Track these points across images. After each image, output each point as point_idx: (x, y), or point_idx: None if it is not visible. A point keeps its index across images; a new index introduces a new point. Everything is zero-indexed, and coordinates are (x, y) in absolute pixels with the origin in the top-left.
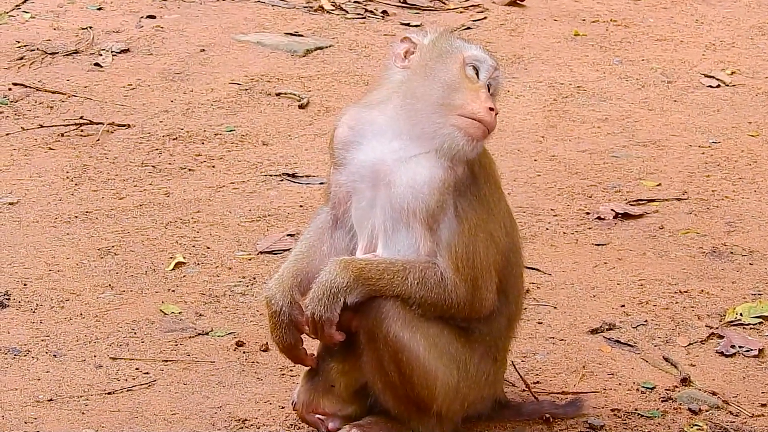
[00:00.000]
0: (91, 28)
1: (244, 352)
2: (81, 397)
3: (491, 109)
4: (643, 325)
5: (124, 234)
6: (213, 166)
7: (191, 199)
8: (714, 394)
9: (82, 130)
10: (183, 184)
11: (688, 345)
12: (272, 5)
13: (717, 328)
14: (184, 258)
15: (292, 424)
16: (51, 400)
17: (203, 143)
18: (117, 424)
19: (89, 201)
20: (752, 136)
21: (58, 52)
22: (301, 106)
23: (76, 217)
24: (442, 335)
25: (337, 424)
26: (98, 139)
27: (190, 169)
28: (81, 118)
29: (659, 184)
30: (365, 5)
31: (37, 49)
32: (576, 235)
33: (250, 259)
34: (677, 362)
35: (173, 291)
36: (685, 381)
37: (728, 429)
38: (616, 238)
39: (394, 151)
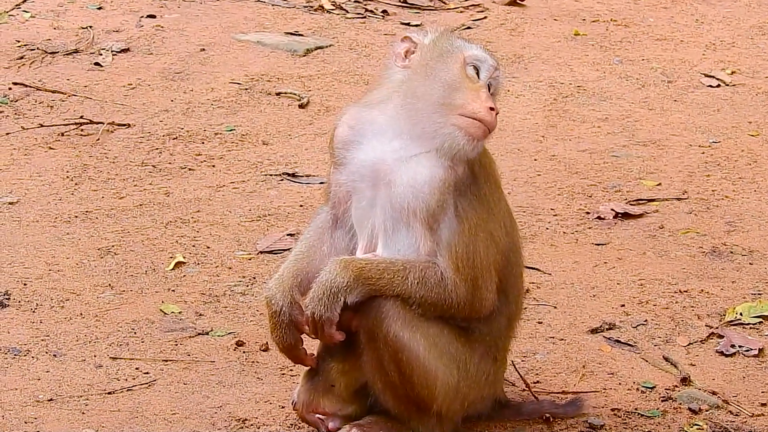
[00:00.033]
0: (91, 27)
1: (244, 352)
2: (81, 396)
3: (492, 108)
4: (643, 324)
5: (124, 234)
6: (213, 166)
7: (191, 199)
8: (714, 393)
9: (82, 130)
10: (183, 184)
11: (688, 344)
12: (272, 5)
13: (717, 327)
14: (184, 258)
15: (292, 424)
16: (51, 399)
17: (203, 143)
18: (117, 424)
19: (89, 200)
20: (752, 135)
21: (58, 52)
22: (301, 106)
23: (76, 216)
24: (442, 335)
25: (337, 423)
26: (98, 139)
27: (190, 169)
28: (81, 117)
29: (659, 184)
30: (365, 5)
31: (38, 48)
32: (576, 234)
33: (250, 259)
34: (677, 362)
35: (173, 291)
36: (685, 380)
37: (728, 428)
38: (616, 237)
39: (395, 151)
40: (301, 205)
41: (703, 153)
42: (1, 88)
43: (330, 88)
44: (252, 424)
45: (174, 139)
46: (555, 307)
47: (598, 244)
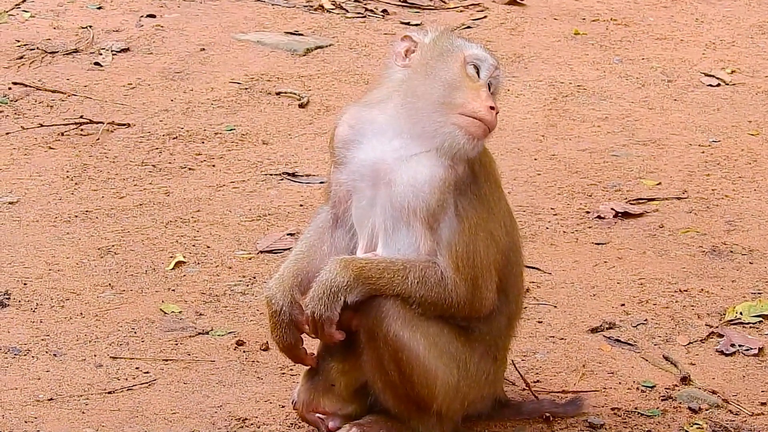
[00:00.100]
0: (91, 27)
1: (244, 352)
2: (81, 396)
3: (492, 107)
4: (643, 324)
5: (124, 233)
6: (213, 166)
7: (191, 199)
8: (714, 392)
9: (82, 130)
10: (183, 184)
11: (688, 344)
12: (272, 4)
13: (717, 326)
14: (184, 257)
15: (292, 423)
16: (51, 399)
17: (203, 142)
18: (117, 424)
19: (89, 200)
20: (752, 134)
21: (58, 51)
22: (301, 105)
23: (76, 216)
24: (442, 334)
25: (337, 423)
26: (98, 139)
27: (190, 169)
28: (81, 117)
29: (659, 183)
30: (365, 4)
31: (37, 48)
32: (576, 234)
33: (250, 259)
34: (677, 361)
35: (173, 290)
36: (685, 380)
37: (728, 428)
38: (616, 237)
39: (395, 150)
40: (301, 205)
41: (703, 152)
42: (0, 87)
43: (330, 87)
44: (252, 424)
45: (174, 138)
46: (555, 307)
47: (598, 244)
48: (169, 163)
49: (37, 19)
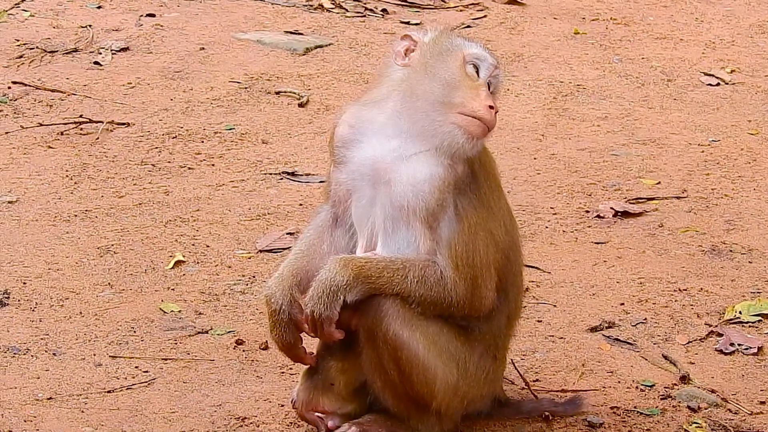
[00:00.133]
0: (90, 26)
1: (243, 351)
2: (80, 395)
3: (491, 107)
4: (643, 323)
5: (123, 232)
6: (212, 165)
7: (191, 198)
8: (713, 391)
9: (81, 129)
10: (182, 183)
11: (688, 343)
12: (272, 4)
13: (716, 326)
14: (184, 256)
15: (291, 423)
16: (50, 398)
17: (203, 142)
18: (116, 423)
19: (89, 199)
20: (752, 134)
21: (57, 51)
22: (300, 105)
23: (76, 215)
24: (442, 333)
25: (337, 422)
26: (98, 138)
27: (189, 168)
28: (80, 116)
29: (659, 183)
30: (365, 4)
31: (37, 47)
32: (575, 233)
33: (249, 258)
34: (676, 360)
35: (173, 289)
36: (685, 379)
37: (727, 427)
38: (615, 236)
39: (394, 150)
40: (300, 204)
41: (703, 152)
42: (0, 86)
43: (329, 86)
44: (251, 423)
45: (173, 138)
46: (554, 306)
47: (598, 243)
48: (169, 162)
49: (37, 18)
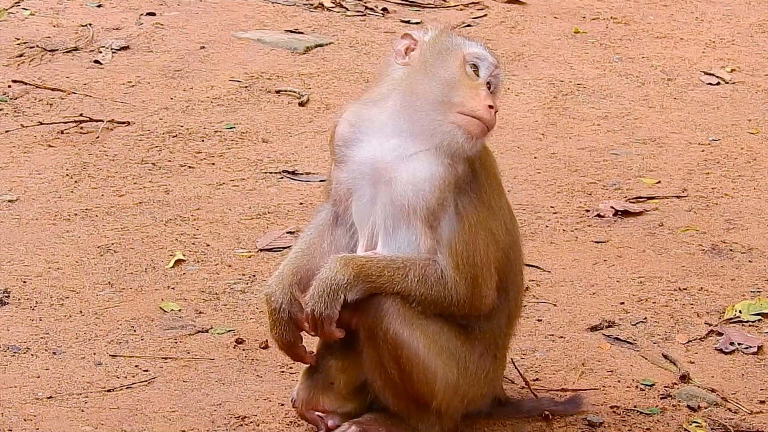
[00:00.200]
0: (90, 25)
1: (243, 350)
2: (80, 394)
3: (491, 106)
4: (643, 322)
5: (123, 231)
6: (213, 164)
7: (191, 197)
8: (713, 391)
9: (81, 128)
10: (183, 182)
11: (688, 342)
12: (272, 2)
13: (716, 325)
14: (184, 255)
15: (291, 422)
16: (50, 397)
17: (203, 140)
18: (116, 422)
19: (89, 198)
20: (752, 133)
21: (57, 50)
22: (301, 104)
23: (76, 214)
24: (442, 332)
25: (337, 421)
26: (98, 137)
27: (189, 167)
28: (81, 115)
29: (659, 182)
30: (365, 3)
31: (37, 46)
32: (575, 232)
33: (249, 257)
34: (676, 359)
35: (173, 288)
36: (684, 378)
37: (727, 426)
38: (615, 235)
39: (394, 149)
40: (300, 203)
41: (703, 151)
42: (0, 85)
43: (330, 85)
44: (251, 422)
45: (174, 136)
46: (554, 305)
47: (598, 242)
48: (169, 161)
49: (37, 17)
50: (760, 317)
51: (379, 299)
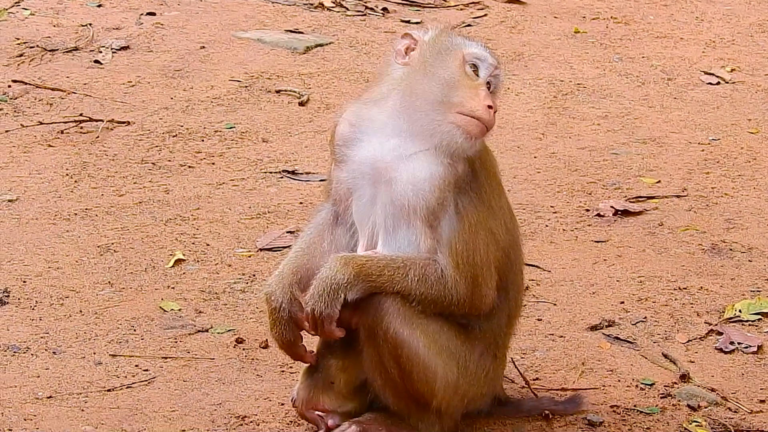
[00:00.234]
0: (90, 25)
1: (243, 349)
2: (80, 394)
3: (490, 106)
4: (643, 321)
5: (123, 231)
6: (213, 163)
7: (191, 196)
8: (713, 390)
9: (81, 127)
10: (183, 181)
11: (688, 341)
12: (272, 2)
13: (716, 324)
14: (184, 255)
15: (291, 421)
16: (50, 397)
17: (203, 140)
18: (116, 421)
19: (89, 198)
20: (752, 133)
21: (57, 49)
22: (301, 103)
23: (76, 214)
24: (442, 332)
25: (337, 420)
26: (98, 136)
27: (189, 166)
28: (81, 115)
29: (659, 181)
30: (365, 2)
31: (37, 46)
32: (575, 232)
33: (249, 256)
34: (676, 359)
35: (173, 288)
36: (684, 377)
37: (727, 425)
38: (615, 235)
39: (394, 149)
40: (300, 203)
41: (703, 150)
42: (0, 85)
43: (330, 85)
44: (251, 421)
45: (174, 136)
46: (554, 304)
47: (598, 242)
48: (169, 160)
49: (37, 16)
50: (759, 317)
51: (380, 298)
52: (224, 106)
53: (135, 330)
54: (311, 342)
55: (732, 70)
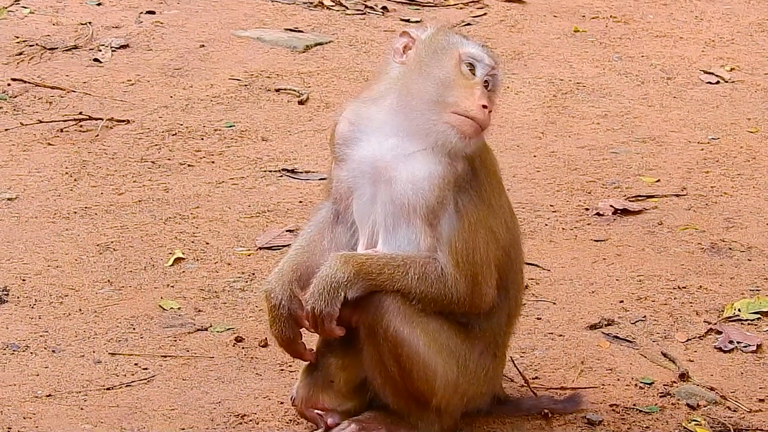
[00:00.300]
0: (90, 23)
1: (243, 348)
2: (80, 392)
3: (485, 106)
4: (642, 320)
5: (123, 230)
6: (212, 162)
7: (190, 195)
8: (712, 389)
9: (81, 126)
10: (182, 180)
11: (687, 340)
12: (272, 1)
13: (715, 323)
14: (183, 254)
15: (291, 420)
16: (50, 395)
17: (202, 139)
18: (116, 420)
19: (88, 196)
20: (751, 132)
21: (57, 48)
22: (300, 102)
23: (75, 212)
24: (442, 330)
25: (336, 419)
26: (97, 135)
27: (189, 165)
28: (80, 113)
29: (658, 180)
30: (365, 1)
31: (37, 44)
32: (575, 231)
33: (249, 255)
34: (675, 358)
35: (172, 287)
36: (684, 376)
37: (726, 424)
38: (614, 234)
39: (393, 148)
40: (300, 201)
41: (702, 149)
42: (0, 83)
43: (329, 84)
44: (251, 420)
45: (173, 135)
46: (554, 303)
47: (597, 241)
48: (169, 159)
49: (37, 15)
50: (759, 316)
51: (380, 297)
52: (224, 104)
53: (134, 328)
54: (311, 340)
55: (731, 70)
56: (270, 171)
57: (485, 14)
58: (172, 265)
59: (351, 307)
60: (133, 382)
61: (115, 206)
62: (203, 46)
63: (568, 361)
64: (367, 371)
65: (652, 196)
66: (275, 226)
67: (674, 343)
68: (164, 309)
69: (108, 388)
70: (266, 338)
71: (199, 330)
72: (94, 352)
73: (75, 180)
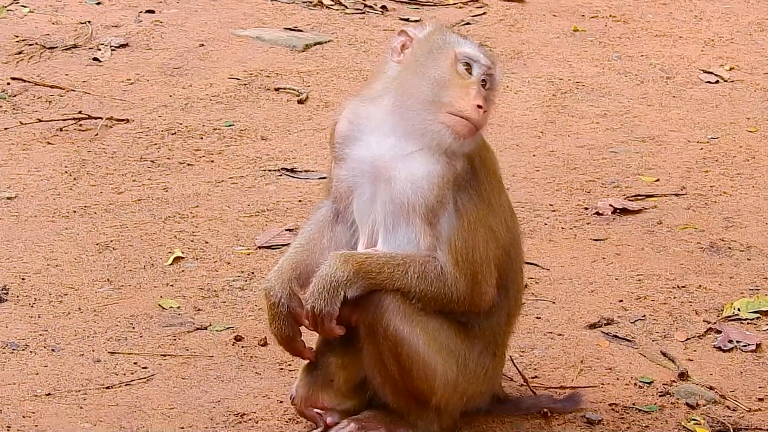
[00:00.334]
0: (89, 22)
1: (242, 347)
2: (79, 391)
3: (480, 106)
4: (641, 320)
5: (122, 229)
6: (212, 161)
7: (190, 194)
8: (711, 388)
9: (80, 125)
10: (182, 179)
11: (686, 340)
12: (271, 0)
13: (715, 323)
14: (183, 253)
15: (290, 419)
16: (49, 394)
17: (202, 138)
18: (115, 419)
19: (88, 195)
20: (750, 131)
21: (56, 47)
22: (300, 101)
23: (75, 211)
24: (442, 330)
25: (336, 418)
26: (97, 134)
27: (188, 164)
28: (79, 112)
29: (657, 180)
30: (364, 0)
31: (36, 43)
32: (574, 230)
33: (248, 254)
34: (675, 357)
35: (172, 286)
36: (683, 376)
37: (726, 423)
38: (614, 233)
39: (391, 147)
40: (299, 201)
41: (702, 149)
42: None
43: (329, 83)
44: (250, 419)
45: (173, 134)
46: (553, 303)
47: (597, 240)
48: (168, 158)
49: (36, 14)
50: (758, 315)
51: (379, 296)
52: (223, 103)
53: (134, 327)
54: (310, 339)
55: (731, 69)
56: (269, 170)
57: (484, 13)
58: (171, 264)
59: (351, 306)
60: (132, 381)
61: (114, 205)
62: (203, 45)
63: (567, 360)
64: (366, 370)
65: (652, 196)
66: (275, 226)
67: (674, 343)
68: (164, 308)
69: (107, 387)
70: (266, 337)
71: (198, 329)
72: (93, 351)
73: (74, 179)
